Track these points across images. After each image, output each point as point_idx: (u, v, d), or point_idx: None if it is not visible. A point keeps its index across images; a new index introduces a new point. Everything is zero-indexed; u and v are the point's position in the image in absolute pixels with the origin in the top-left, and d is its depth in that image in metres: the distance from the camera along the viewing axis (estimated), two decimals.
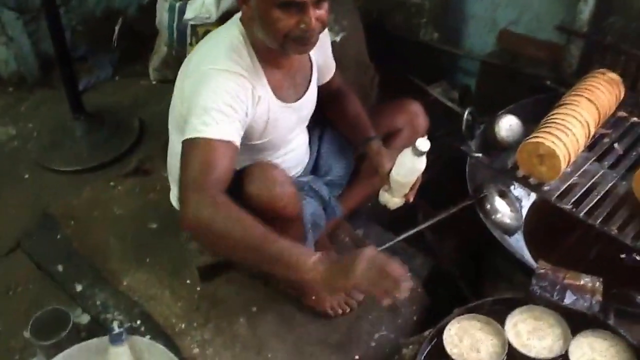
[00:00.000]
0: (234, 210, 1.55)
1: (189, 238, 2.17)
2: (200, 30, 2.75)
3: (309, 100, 2.00)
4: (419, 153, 1.79)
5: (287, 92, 1.87)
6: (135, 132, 2.86)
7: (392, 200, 1.98)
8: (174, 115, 1.89)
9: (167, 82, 3.09)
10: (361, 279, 1.47)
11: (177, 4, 2.80)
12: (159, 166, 2.56)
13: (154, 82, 3.20)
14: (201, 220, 1.54)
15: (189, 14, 2.69)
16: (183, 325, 2.06)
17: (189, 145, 1.64)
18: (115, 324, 1.76)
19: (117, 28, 3.34)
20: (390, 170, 1.93)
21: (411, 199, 1.99)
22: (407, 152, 1.83)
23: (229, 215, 1.54)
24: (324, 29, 1.75)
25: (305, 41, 1.73)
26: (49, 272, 2.25)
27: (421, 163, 1.83)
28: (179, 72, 1.87)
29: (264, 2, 1.66)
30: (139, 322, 2.09)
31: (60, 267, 2.26)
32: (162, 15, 2.93)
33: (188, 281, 2.18)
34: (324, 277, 1.49)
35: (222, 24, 2.61)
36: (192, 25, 2.75)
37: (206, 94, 1.66)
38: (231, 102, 1.67)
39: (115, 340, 1.72)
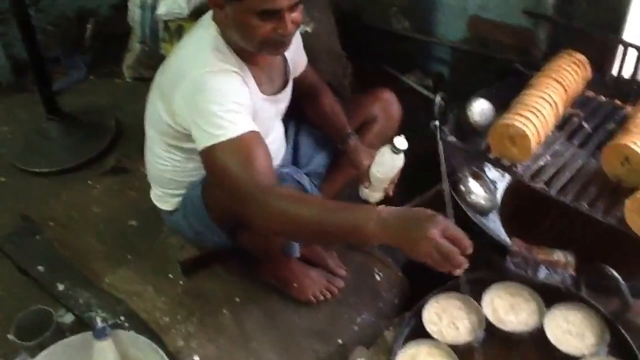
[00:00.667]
0: (294, 196, 1.61)
1: (170, 233, 2.19)
2: (173, 26, 2.77)
3: (287, 94, 2.03)
4: (397, 151, 1.86)
5: (266, 86, 1.90)
6: (111, 131, 2.87)
7: (373, 195, 2.05)
8: (155, 118, 1.89)
9: (142, 80, 3.12)
10: (429, 242, 1.38)
11: (149, 1, 2.81)
12: (137, 164, 2.56)
13: (128, 81, 3.20)
14: (270, 216, 1.59)
15: (160, 10, 2.70)
16: (167, 320, 2.08)
17: (214, 152, 1.65)
18: (98, 319, 1.77)
19: (89, 28, 3.34)
20: (369, 167, 1.99)
21: (391, 193, 2.05)
22: (386, 151, 1.90)
23: (293, 204, 1.58)
24: (298, 29, 1.77)
25: (282, 44, 1.76)
26: (31, 274, 2.26)
27: (399, 160, 1.90)
28: (158, 75, 1.88)
29: (241, 11, 1.66)
30: (122, 318, 2.09)
31: (41, 269, 2.25)
32: (134, 13, 2.94)
33: (170, 276, 2.20)
34: (391, 237, 1.44)
35: (195, 18, 2.64)
36: (164, 21, 2.77)
37: (211, 99, 1.66)
38: (237, 99, 1.69)
39: (99, 334, 1.74)
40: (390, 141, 1.91)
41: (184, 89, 1.71)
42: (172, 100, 1.74)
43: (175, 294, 2.15)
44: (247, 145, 1.65)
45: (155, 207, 2.13)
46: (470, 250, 1.42)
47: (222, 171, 1.66)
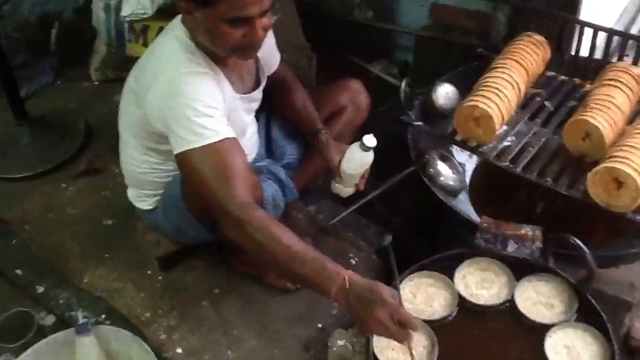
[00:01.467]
0: (269, 230, 1.62)
1: (146, 230, 2.21)
2: (138, 27, 2.78)
3: (260, 93, 2.05)
4: (366, 148, 1.91)
5: (238, 85, 1.91)
6: (82, 133, 2.87)
7: (344, 190, 2.10)
8: (129, 122, 1.90)
9: (110, 82, 3.12)
10: (377, 323, 1.52)
11: (113, 2, 2.82)
12: (109, 164, 2.58)
13: (96, 83, 3.20)
14: (239, 237, 1.64)
15: (125, 11, 2.71)
16: (148, 315, 2.10)
17: (190, 158, 1.67)
18: (80, 316, 1.79)
19: (53, 32, 3.33)
20: (340, 162, 2.03)
21: (362, 187, 2.10)
22: (355, 148, 1.94)
23: (264, 236, 1.61)
24: (267, 33, 1.77)
25: (253, 49, 1.79)
26: (8, 277, 2.26)
27: (369, 157, 1.95)
28: (130, 79, 1.88)
29: (211, 18, 1.66)
30: (104, 316, 2.11)
31: (19, 272, 2.26)
32: (99, 15, 2.94)
33: (149, 272, 2.22)
34: (347, 307, 1.57)
35: (159, 18, 2.67)
36: (129, 22, 2.77)
37: (184, 103, 1.67)
38: (210, 102, 1.70)
39: (81, 330, 1.75)
40: (359, 136, 1.95)
41: (155, 92, 1.72)
42: (145, 104, 1.75)
43: (155, 289, 2.17)
44: (223, 154, 1.67)
45: (129, 205, 2.15)
46: (417, 330, 1.56)
47: (198, 179, 1.68)
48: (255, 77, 2.01)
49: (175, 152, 1.70)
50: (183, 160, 1.69)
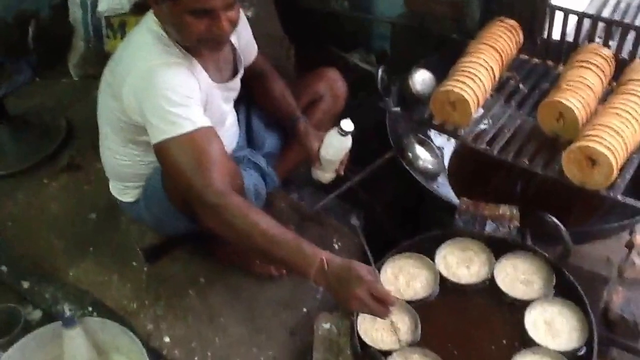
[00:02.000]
0: (246, 216, 1.65)
1: (130, 223, 2.23)
2: (115, 22, 2.79)
3: (238, 83, 2.07)
4: (344, 133, 1.94)
5: (215, 74, 1.93)
6: (62, 130, 2.87)
7: (325, 176, 2.14)
8: (108, 116, 1.91)
9: (89, 78, 3.11)
10: (357, 300, 1.58)
11: None
12: (90, 159, 2.59)
13: (75, 80, 3.20)
14: (218, 225, 1.67)
15: (101, 7, 2.72)
16: (135, 306, 2.12)
17: (167, 148, 1.69)
18: (66, 309, 1.80)
19: (30, 30, 3.31)
20: (319, 149, 2.06)
21: (342, 173, 2.13)
22: (334, 133, 1.97)
23: (241, 222, 1.64)
24: (235, 27, 1.79)
25: (219, 43, 1.80)
26: None
27: (347, 142, 1.98)
28: (106, 73, 1.89)
29: (175, 8, 1.68)
30: (90, 309, 2.13)
31: (4, 269, 2.27)
32: (75, 12, 2.95)
33: (134, 264, 2.24)
34: (327, 288, 1.63)
35: (136, 13, 2.67)
36: (106, 18, 2.78)
37: (159, 93, 1.69)
38: (186, 92, 1.72)
39: (68, 323, 1.76)
40: (337, 123, 1.98)
41: (131, 83, 1.73)
42: (122, 96, 1.76)
43: (141, 281, 2.19)
44: (199, 143, 1.69)
45: (112, 199, 2.16)
46: (394, 305, 1.61)
47: (175, 169, 1.70)
48: (233, 66, 2.03)
49: (152, 143, 1.72)
50: (160, 150, 1.71)
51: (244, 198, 1.76)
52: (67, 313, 1.79)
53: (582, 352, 1.66)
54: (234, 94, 2.09)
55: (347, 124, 1.93)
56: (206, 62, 1.88)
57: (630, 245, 2.30)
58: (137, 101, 1.73)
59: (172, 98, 1.69)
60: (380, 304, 1.57)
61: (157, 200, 1.97)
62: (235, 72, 2.04)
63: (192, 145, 1.68)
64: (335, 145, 2.00)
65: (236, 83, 2.05)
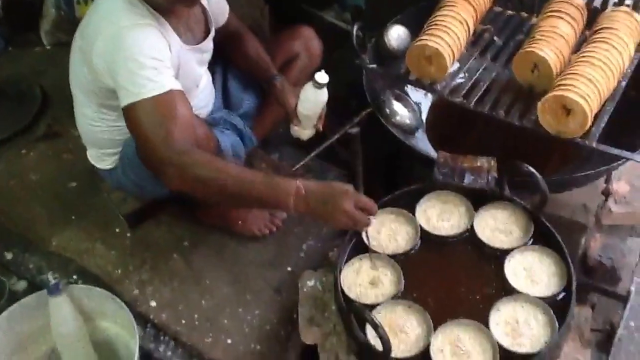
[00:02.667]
0: (212, 164, 1.65)
1: (111, 189, 2.23)
2: None
3: (210, 44, 2.06)
4: (319, 86, 1.93)
5: (186, 36, 1.92)
6: (38, 98, 2.84)
7: (304, 132, 2.14)
8: (80, 81, 1.90)
9: (62, 45, 3.07)
10: (344, 214, 1.62)
11: None
12: (68, 127, 2.58)
13: (48, 47, 3.16)
14: (186, 182, 1.65)
15: None
16: (119, 271, 2.14)
17: (134, 111, 1.67)
18: (51, 277, 1.80)
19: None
20: (296, 106, 2.05)
21: (321, 128, 2.14)
22: (309, 87, 1.96)
23: (209, 171, 1.64)
24: None
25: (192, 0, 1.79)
26: None
27: (323, 95, 1.97)
28: (76, 37, 1.87)
29: None
30: (75, 277, 2.15)
31: None
32: None
33: (117, 230, 2.25)
34: (309, 211, 1.65)
35: None
36: None
37: (128, 56, 1.67)
38: (154, 54, 1.70)
39: (53, 291, 1.76)
40: (312, 77, 1.97)
41: (100, 46, 1.71)
42: (92, 60, 1.75)
43: (125, 246, 2.21)
44: (166, 106, 1.67)
45: (92, 166, 2.16)
46: (376, 212, 1.68)
47: (140, 132, 1.69)
48: (205, 27, 2.01)
49: (121, 106, 1.71)
50: (128, 113, 1.70)
51: (207, 153, 1.74)
52: (52, 281, 1.79)
53: (561, 297, 1.69)
54: (208, 56, 2.07)
55: (322, 77, 1.92)
56: (177, 23, 1.87)
57: (606, 192, 2.35)
58: (107, 64, 1.71)
59: (141, 60, 1.67)
60: (364, 214, 1.65)
61: (134, 166, 1.96)
62: (207, 33, 2.02)
63: (157, 108, 1.67)
64: (312, 99, 1.99)
65: (208, 44, 2.03)
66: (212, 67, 2.18)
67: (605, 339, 2.19)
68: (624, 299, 1.98)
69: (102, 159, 2.10)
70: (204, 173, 1.63)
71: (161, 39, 1.76)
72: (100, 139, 2.02)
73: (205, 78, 2.12)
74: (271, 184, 1.64)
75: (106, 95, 1.84)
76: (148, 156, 1.70)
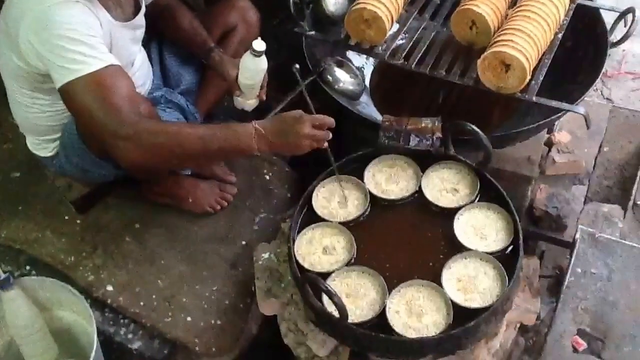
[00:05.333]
0: (166, 129, 1.66)
1: (55, 176, 2.19)
2: None
3: (142, 19, 2.00)
4: (257, 54, 1.91)
5: (117, 12, 1.86)
6: None
7: (247, 102, 2.11)
8: (9, 67, 1.83)
9: None
10: (306, 138, 1.68)
11: None
12: (4, 116, 2.49)
13: None
14: (144, 153, 1.63)
15: None
16: (72, 259, 2.11)
17: (73, 90, 1.63)
18: (0, 270, 1.76)
19: None
20: (237, 76, 2.03)
21: (264, 97, 2.12)
22: (248, 56, 1.94)
23: (166, 137, 1.64)
24: None
25: None
26: None
27: (262, 63, 1.95)
28: (0, 21, 1.79)
29: None
30: (28, 267, 2.12)
31: None
32: None
33: (66, 217, 2.21)
34: (273, 148, 1.71)
35: None
36: None
37: (59, 34, 1.62)
38: (85, 30, 1.65)
39: (4, 285, 1.74)
40: (250, 46, 1.95)
41: (27, 27, 1.65)
42: (19, 44, 1.69)
43: (75, 233, 2.18)
44: (104, 81, 1.64)
45: (34, 155, 2.11)
46: (333, 124, 1.72)
47: (83, 111, 1.65)
48: (134, 2, 1.96)
49: (57, 87, 1.66)
50: (66, 93, 1.66)
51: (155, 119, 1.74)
52: (2, 274, 1.75)
53: (509, 251, 1.74)
54: (141, 33, 2.02)
55: (259, 44, 1.90)
56: (105, 1, 1.80)
57: (549, 143, 2.40)
58: (35, 46, 1.65)
59: (73, 37, 1.63)
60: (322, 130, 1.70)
61: (76, 150, 1.93)
62: (138, 9, 1.97)
63: (98, 83, 1.63)
64: (251, 67, 1.97)
65: (140, 20, 1.98)
66: (147, 44, 2.14)
67: (555, 284, 2.28)
68: (570, 246, 2.04)
69: (42, 146, 2.05)
70: (161, 140, 1.63)
71: (91, 15, 1.71)
72: (38, 126, 1.97)
73: (140, 56, 2.07)
74: (229, 133, 1.68)
75: (37, 79, 1.79)
76: (96, 134, 1.67)
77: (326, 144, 1.76)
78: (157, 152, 1.65)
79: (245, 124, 1.68)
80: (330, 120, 1.72)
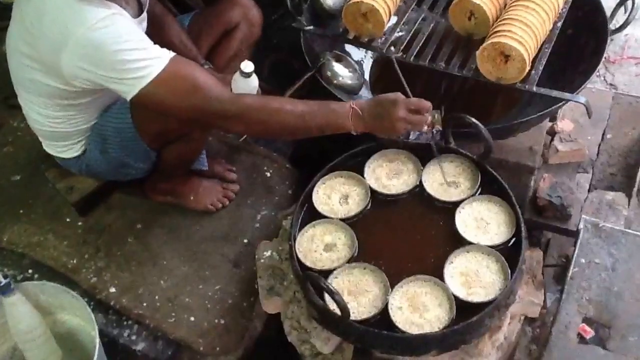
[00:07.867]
0: (268, 106, 1.76)
1: (56, 179, 2.18)
2: None
3: (146, 14, 1.98)
4: (246, 75, 1.89)
5: (133, 10, 1.83)
6: None
7: None
8: (32, 85, 1.81)
9: None
10: (401, 121, 1.72)
11: None
12: (5, 118, 2.49)
13: None
14: (250, 127, 1.79)
15: None
16: (75, 261, 2.12)
17: (151, 94, 1.65)
18: (1, 276, 1.76)
19: None
20: None
21: None
22: (238, 78, 1.93)
23: (268, 113, 1.75)
24: None
25: None
26: None
27: (253, 81, 1.94)
28: (19, 43, 1.74)
29: None
30: (30, 271, 2.12)
31: None
32: None
33: (68, 219, 2.21)
34: (368, 128, 1.76)
35: None
36: None
37: (111, 50, 1.61)
38: (134, 36, 1.66)
39: (5, 291, 1.73)
40: (238, 67, 1.93)
41: (72, 53, 1.62)
42: (60, 67, 1.66)
43: (77, 235, 2.18)
44: (178, 71, 1.67)
45: (35, 157, 2.11)
46: (431, 107, 1.76)
47: (170, 106, 1.69)
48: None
49: (129, 98, 1.67)
50: (144, 98, 1.67)
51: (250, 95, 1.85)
52: (3, 280, 1.74)
53: (512, 243, 1.73)
54: (145, 25, 2.00)
55: (247, 65, 1.89)
56: (121, 2, 1.77)
57: (552, 132, 2.38)
58: (89, 68, 1.64)
59: (127, 48, 1.63)
60: (419, 115, 1.74)
61: (121, 141, 1.94)
62: (141, 5, 1.94)
63: (175, 77, 1.66)
64: (243, 87, 1.96)
65: (145, 15, 1.96)
66: None
67: (561, 272, 2.26)
68: (575, 234, 2.02)
69: (67, 148, 2.02)
70: (263, 116, 1.74)
71: (127, 18, 1.71)
72: (64, 133, 1.95)
73: None
74: (328, 111, 1.76)
75: (73, 96, 1.80)
76: (197, 119, 1.76)
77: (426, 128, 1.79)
78: (259, 128, 1.79)
79: (344, 103, 1.78)
80: (427, 104, 1.74)
